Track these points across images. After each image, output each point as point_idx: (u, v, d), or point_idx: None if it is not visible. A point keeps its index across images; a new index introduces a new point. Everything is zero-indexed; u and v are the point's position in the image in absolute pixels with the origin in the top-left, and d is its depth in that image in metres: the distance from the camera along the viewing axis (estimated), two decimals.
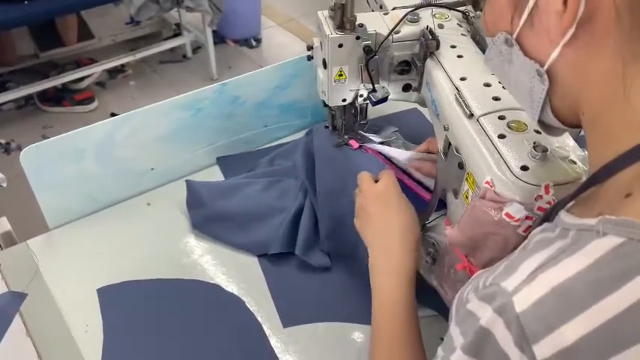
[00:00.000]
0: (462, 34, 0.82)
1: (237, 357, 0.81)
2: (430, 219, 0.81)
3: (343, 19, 0.80)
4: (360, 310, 0.83)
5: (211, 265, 0.92)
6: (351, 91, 0.88)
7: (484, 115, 0.66)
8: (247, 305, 0.87)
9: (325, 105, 0.92)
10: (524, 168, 0.59)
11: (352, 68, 0.85)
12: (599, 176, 0.43)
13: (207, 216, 0.97)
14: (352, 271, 0.89)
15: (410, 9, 0.84)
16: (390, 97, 0.86)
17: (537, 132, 0.63)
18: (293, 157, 1.05)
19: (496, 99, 0.68)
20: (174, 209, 1.00)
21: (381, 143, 0.98)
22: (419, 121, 1.15)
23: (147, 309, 0.86)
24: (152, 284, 0.89)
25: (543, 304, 0.39)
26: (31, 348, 0.80)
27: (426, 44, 0.79)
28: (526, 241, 0.47)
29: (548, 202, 0.56)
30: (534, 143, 0.60)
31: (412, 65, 0.85)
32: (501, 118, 0.65)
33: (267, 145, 1.14)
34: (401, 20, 0.83)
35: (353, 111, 0.94)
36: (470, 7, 0.86)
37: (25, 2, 2.16)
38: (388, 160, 0.93)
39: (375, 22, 0.84)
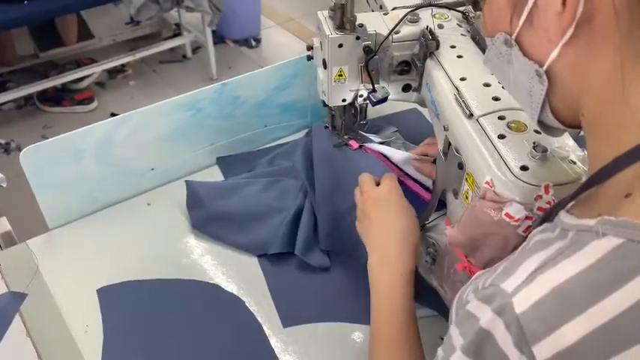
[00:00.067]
0: (462, 35, 0.82)
1: (237, 357, 0.81)
2: (430, 219, 0.81)
3: (343, 19, 0.80)
4: (359, 310, 0.83)
5: (211, 265, 0.92)
6: (350, 91, 0.88)
7: (484, 115, 0.66)
8: (247, 305, 0.87)
9: (325, 105, 0.92)
10: (523, 168, 0.59)
11: (352, 68, 0.85)
12: (599, 177, 0.43)
13: (207, 216, 0.97)
14: (352, 271, 0.89)
15: (410, 9, 0.84)
16: (389, 97, 0.86)
17: (537, 132, 0.63)
18: (293, 157, 1.05)
19: (496, 99, 0.68)
20: (174, 209, 1.00)
21: (381, 143, 0.98)
22: (419, 121, 1.15)
23: (147, 309, 0.86)
24: (152, 284, 0.89)
25: (543, 305, 0.39)
26: (31, 348, 0.80)
27: (425, 44, 0.79)
28: (526, 241, 0.47)
29: (548, 203, 0.56)
30: (534, 143, 0.60)
31: (412, 65, 0.85)
32: (501, 118, 0.65)
33: (267, 145, 1.14)
34: (401, 20, 0.83)
35: (353, 111, 0.94)
36: (470, 8, 0.86)
37: (25, 2, 2.16)
38: (388, 160, 0.93)
39: (374, 23, 0.84)
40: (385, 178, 0.81)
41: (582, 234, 0.40)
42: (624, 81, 0.41)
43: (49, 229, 0.97)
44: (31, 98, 2.57)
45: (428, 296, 0.80)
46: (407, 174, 0.91)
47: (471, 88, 0.71)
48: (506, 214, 0.57)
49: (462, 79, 0.73)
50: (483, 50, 0.79)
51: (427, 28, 0.81)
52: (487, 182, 0.60)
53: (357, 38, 0.82)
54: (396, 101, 0.90)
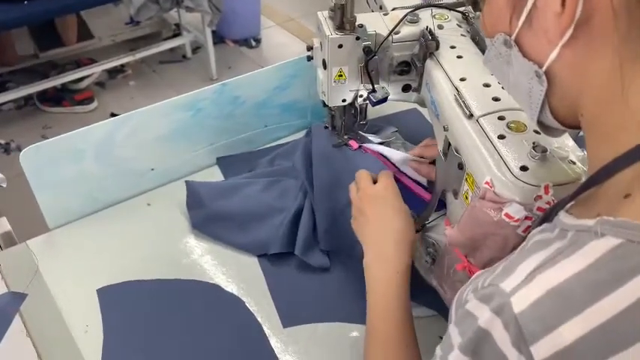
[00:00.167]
0: (462, 35, 0.82)
1: (237, 357, 0.81)
2: (430, 219, 0.81)
3: (343, 20, 0.80)
4: (359, 310, 0.82)
5: (211, 266, 0.92)
6: (350, 91, 0.88)
7: (484, 115, 0.66)
8: (247, 305, 0.87)
9: (325, 105, 0.92)
10: (523, 168, 0.59)
11: (352, 69, 0.85)
12: (598, 177, 0.43)
13: (207, 216, 0.97)
14: (352, 272, 0.89)
15: (410, 10, 0.84)
16: (389, 97, 0.86)
17: (537, 132, 0.63)
18: (293, 157, 1.05)
19: (496, 99, 0.68)
20: (174, 209, 1.00)
21: (381, 144, 0.98)
22: (418, 121, 1.15)
23: (147, 309, 0.86)
24: (152, 284, 0.89)
25: (541, 304, 0.39)
26: (31, 348, 0.80)
27: (425, 45, 0.79)
28: (525, 241, 0.47)
29: (548, 203, 0.56)
30: (534, 144, 0.61)
31: (412, 66, 0.85)
32: (501, 118, 0.66)
33: (267, 146, 1.14)
34: (401, 21, 0.83)
35: (353, 111, 0.94)
36: (469, 8, 0.86)
37: (25, 2, 2.16)
38: (387, 160, 0.93)
39: (374, 23, 0.84)
40: (382, 175, 0.82)
41: (581, 234, 0.40)
42: (623, 81, 0.41)
43: (49, 229, 0.97)
44: (31, 98, 2.57)
45: (428, 296, 0.80)
46: (406, 174, 0.91)
47: (470, 89, 0.71)
48: (506, 215, 0.57)
49: (462, 79, 0.73)
50: (483, 51, 0.79)
51: (427, 29, 0.81)
52: (487, 182, 0.60)
53: (357, 38, 0.82)
54: (396, 101, 0.90)
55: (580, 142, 0.57)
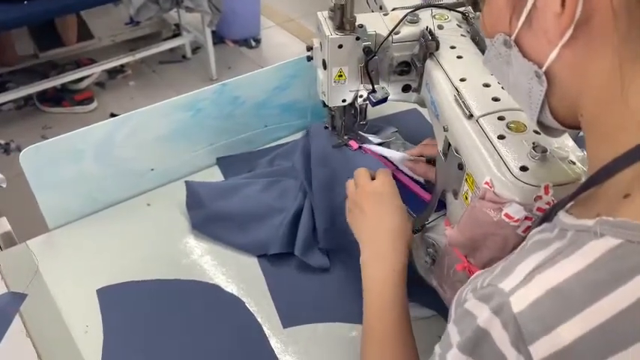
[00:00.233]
0: (462, 35, 0.82)
1: (237, 357, 0.81)
2: (430, 219, 0.81)
3: (343, 20, 0.80)
4: (359, 310, 0.82)
5: (211, 266, 0.92)
6: (350, 91, 0.88)
7: (483, 115, 0.66)
8: (247, 306, 0.87)
9: (325, 105, 0.92)
10: (523, 168, 0.59)
11: (352, 69, 0.85)
12: (598, 177, 0.43)
13: (207, 216, 0.97)
14: (352, 272, 0.89)
15: (410, 10, 0.84)
16: (389, 97, 0.86)
17: (537, 132, 0.63)
18: (293, 157, 1.05)
19: (495, 100, 0.68)
20: (174, 210, 1.00)
21: (381, 144, 0.98)
22: (418, 121, 1.15)
23: (147, 309, 0.86)
24: (152, 285, 0.89)
25: (540, 304, 0.39)
26: (31, 348, 0.80)
27: (425, 45, 0.79)
28: (525, 241, 0.47)
29: (548, 203, 0.56)
30: (534, 144, 0.61)
31: (412, 66, 0.85)
32: (501, 118, 0.66)
33: (267, 146, 1.14)
34: (401, 21, 0.83)
35: (353, 111, 0.94)
36: (469, 8, 0.86)
37: (25, 2, 2.16)
38: (387, 160, 0.93)
39: (374, 23, 0.84)
40: (380, 172, 0.82)
41: (581, 234, 0.40)
42: (623, 81, 0.41)
43: (49, 229, 0.97)
44: (31, 98, 2.57)
45: (428, 296, 0.80)
46: (406, 174, 0.91)
47: (470, 89, 0.71)
48: (506, 215, 0.57)
49: (462, 79, 0.73)
50: (483, 51, 0.79)
51: (427, 29, 0.81)
52: (487, 183, 0.60)
53: (357, 39, 0.82)
54: (396, 102, 0.90)
55: (580, 142, 0.57)
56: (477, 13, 0.84)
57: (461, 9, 0.86)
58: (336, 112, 0.94)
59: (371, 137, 0.99)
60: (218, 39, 2.96)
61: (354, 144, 0.96)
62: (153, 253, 0.94)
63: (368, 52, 0.82)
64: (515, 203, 0.57)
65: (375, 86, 0.85)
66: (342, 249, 0.91)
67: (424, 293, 0.81)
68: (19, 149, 2.30)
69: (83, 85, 2.61)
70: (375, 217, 0.77)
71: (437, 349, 0.48)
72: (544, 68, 0.46)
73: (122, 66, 2.75)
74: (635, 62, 0.41)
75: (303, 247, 0.91)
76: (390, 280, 0.71)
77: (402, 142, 1.04)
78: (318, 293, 0.89)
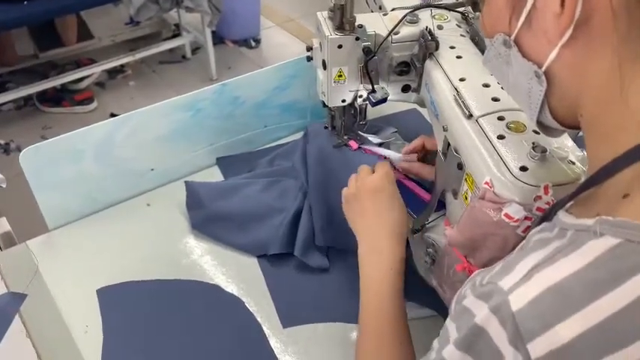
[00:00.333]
0: (461, 35, 0.82)
1: (236, 357, 0.81)
2: (430, 219, 0.81)
3: (342, 20, 0.80)
4: (359, 311, 0.83)
5: (211, 266, 0.92)
6: (350, 91, 0.88)
7: (483, 115, 0.66)
8: (247, 306, 0.87)
9: (325, 105, 0.92)
10: (523, 168, 0.59)
11: (352, 69, 0.85)
12: (598, 177, 0.43)
13: (207, 216, 0.97)
14: (351, 272, 0.89)
15: (409, 10, 0.84)
16: (389, 97, 0.86)
17: (536, 132, 0.63)
18: (293, 157, 1.05)
19: (495, 100, 0.68)
20: (174, 210, 1.00)
21: (381, 144, 0.98)
22: (418, 121, 1.16)
23: (147, 309, 0.86)
24: (152, 285, 0.89)
25: (539, 302, 0.39)
26: (31, 349, 0.80)
27: (425, 45, 0.79)
28: (524, 241, 0.47)
29: (547, 203, 0.56)
30: (533, 144, 0.61)
31: (411, 66, 0.85)
32: (500, 118, 0.66)
33: (267, 146, 1.14)
34: (400, 21, 0.83)
35: (352, 111, 0.94)
36: (469, 8, 0.86)
37: (25, 2, 2.16)
38: (387, 161, 0.93)
39: (374, 23, 0.84)
40: (379, 165, 0.82)
41: (580, 233, 0.40)
42: (623, 81, 0.42)
43: (49, 229, 0.97)
44: (31, 99, 2.56)
45: (427, 296, 0.80)
46: (406, 175, 0.91)
47: (470, 89, 0.71)
48: (506, 215, 0.57)
49: (462, 79, 0.73)
50: (482, 51, 0.79)
51: (426, 29, 0.81)
52: (486, 183, 0.60)
53: (357, 39, 0.82)
54: (396, 102, 0.90)
55: (579, 142, 0.57)
56: (477, 13, 0.84)
57: (460, 9, 0.86)
58: (336, 112, 0.94)
59: (371, 137, 0.99)
60: (218, 39, 2.96)
61: (353, 144, 0.96)
62: (153, 253, 0.94)
63: (367, 52, 0.82)
64: (514, 203, 0.57)
65: (375, 86, 0.85)
66: (340, 247, 0.91)
67: (424, 293, 0.81)
68: (19, 149, 2.30)
69: (83, 85, 2.61)
70: (373, 211, 0.77)
71: (435, 343, 0.49)
72: (544, 68, 0.46)
73: (122, 66, 2.75)
74: (634, 62, 0.41)
75: (302, 247, 0.91)
76: (387, 279, 0.71)
77: (401, 142, 1.03)
78: (318, 293, 0.89)
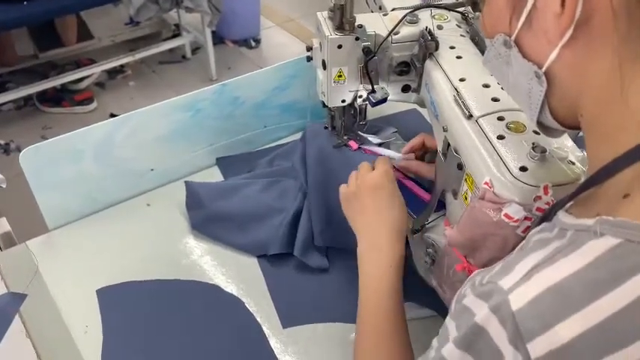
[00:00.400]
0: (461, 35, 0.82)
1: (236, 358, 0.81)
2: (429, 220, 0.81)
3: (342, 20, 0.80)
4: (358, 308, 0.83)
5: (211, 266, 0.92)
6: (350, 91, 0.88)
7: (483, 116, 0.66)
8: (247, 306, 0.87)
9: (325, 106, 0.92)
10: (523, 169, 0.59)
11: (351, 69, 0.85)
12: (598, 177, 0.43)
13: (207, 217, 0.97)
14: (351, 272, 0.89)
15: (409, 10, 0.84)
16: (389, 98, 0.86)
17: (536, 133, 0.63)
18: (292, 157, 1.05)
19: (495, 100, 0.68)
20: (174, 210, 1.00)
21: (380, 144, 0.98)
22: (418, 121, 1.16)
23: (146, 310, 0.86)
24: (152, 285, 0.89)
25: (539, 302, 0.39)
26: (31, 349, 0.80)
27: (425, 45, 0.79)
28: (524, 241, 0.47)
29: (547, 203, 0.56)
30: (533, 144, 0.61)
31: (411, 66, 0.85)
32: (500, 119, 0.66)
33: (267, 146, 1.14)
34: (400, 21, 0.83)
35: (352, 112, 0.94)
36: (469, 9, 0.86)
37: (25, 3, 2.16)
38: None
39: (374, 23, 0.84)
40: (379, 161, 0.82)
41: (580, 233, 0.40)
42: (623, 82, 0.42)
43: (49, 229, 0.97)
44: (31, 99, 2.57)
45: (427, 296, 0.80)
46: (405, 174, 0.91)
47: (470, 89, 0.71)
48: (506, 215, 0.57)
49: (462, 79, 0.73)
50: (482, 51, 0.79)
51: (426, 29, 0.81)
52: (486, 183, 0.60)
53: (357, 39, 0.82)
54: (396, 102, 0.90)
55: (579, 142, 0.57)
56: (477, 13, 0.84)
57: (460, 9, 0.86)
58: (336, 112, 0.94)
59: (370, 137, 0.99)
60: (218, 39, 2.96)
61: (353, 144, 0.96)
62: (153, 253, 0.94)
63: (367, 52, 0.82)
64: (514, 203, 0.57)
65: (375, 86, 0.85)
66: (339, 246, 0.91)
67: (424, 293, 0.81)
68: (18, 149, 2.30)
69: (83, 85, 2.61)
70: (373, 209, 0.77)
71: (434, 342, 0.49)
72: (544, 68, 0.46)
73: (122, 66, 2.75)
74: (634, 62, 0.41)
75: (302, 247, 0.91)
76: (386, 276, 0.71)
77: (401, 142, 1.03)
78: (318, 293, 0.89)
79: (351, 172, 0.85)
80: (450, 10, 0.86)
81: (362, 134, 0.99)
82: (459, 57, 0.78)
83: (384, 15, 0.86)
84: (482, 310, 0.42)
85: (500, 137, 0.63)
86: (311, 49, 0.89)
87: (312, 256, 0.92)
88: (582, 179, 0.58)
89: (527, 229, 0.56)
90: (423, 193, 0.88)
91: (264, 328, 0.84)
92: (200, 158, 1.08)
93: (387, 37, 0.82)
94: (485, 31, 0.53)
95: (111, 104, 2.61)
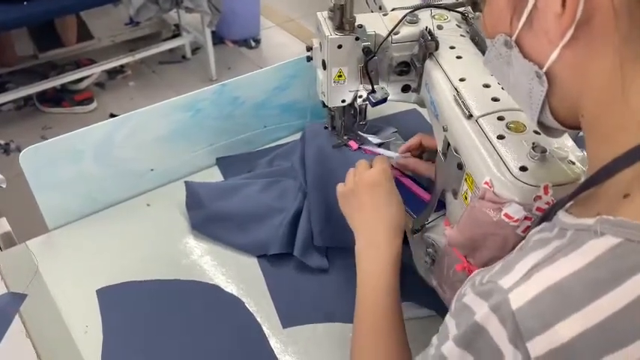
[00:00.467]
0: (461, 35, 0.82)
1: (236, 358, 0.81)
2: (429, 219, 0.81)
3: (342, 20, 0.80)
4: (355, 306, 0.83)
5: (211, 266, 0.92)
6: (350, 91, 0.88)
7: (483, 115, 0.66)
8: (247, 306, 0.87)
9: (325, 106, 0.92)
10: (523, 169, 0.59)
11: (351, 69, 0.85)
12: (598, 177, 0.43)
13: (207, 217, 0.97)
14: (351, 272, 0.89)
15: (409, 10, 0.84)
16: (389, 97, 0.86)
17: (536, 132, 0.63)
18: (292, 157, 1.05)
19: (495, 100, 0.68)
20: (174, 210, 1.00)
21: (380, 144, 0.98)
22: (418, 121, 1.16)
23: (146, 310, 0.86)
24: (152, 285, 0.89)
25: (539, 301, 0.39)
26: (31, 349, 0.80)
27: (425, 45, 0.79)
28: (524, 241, 0.47)
29: (547, 203, 0.56)
30: (533, 144, 0.61)
31: (411, 66, 0.85)
32: (500, 118, 0.66)
33: (267, 146, 1.14)
34: (400, 21, 0.83)
35: (352, 112, 0.94)
36: (469, 9, 0.86)
37: (25, 3, 2.16)
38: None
39: (374, 23, 0.84)
40: (377, 160, 0.82)
41: (581, 233, 0.40)
42: (624, 82, 0.42)
43: (49, 229, 0.97)
44: (31, 99, 2.56)
45: (427, 296, 0.80)
46: (405, 174, 0.91)
47: (470, 89, 0.71)
48: (506, 215, 0.57)
49: (462, 79, 0.73)
50: (482, 51, 0.79)
51: (426, 29, 0.81)
52: (486, 183, 0.60)
53: (357, 39, 0.82)
54: (396, 102, 0.90)
55: (579, 142, 0.57)
56: (477, 13, 0.84)
57: (460, 9, 0.86)
58: (336, 112, 0.94)
59: (370, 137, 0.99)
60: (218, 39, 2.96)
61: (353, 144, 0.96)
62: (153, 253, 0.94)
63: (367, 52, 0.82)
64: (514, 203, 0.57)
65: (375, 86, 0.85)
66: (339, 245, 0.91)
67: (423, 293, 0.81)
68: (18, 149, 2.30)
69: (83, 85, 2.61)
70: (371, 206, 0.77)
71: (434, 339, 0.49)
72: (545, 68, 0.46)
73: (122, 66, 2.75)
74: (635, 62, 0.41)
75: (302, 247, 0.91)
76: (385, 273, 0.72)
77: (401, 142, 1.03)
78: (318, 293, 0.89)
79: (349, 168, 0.85)
80: (450, 10, 0.86)
81: (362, 134, 0.99)
82: (459, 57, 0.78)
83: (384, 15, 0.86)
84: (482, 309, 0.42)
85: (500, 137, 0.63)
86: (311, 49, 0.89)
87: (311, 256, 0.92)
88: (582, 179, 0.58)
89: (527, 229, 0.56)
90: (421, 192, 0.88)
91: (264, 328, 0.84)
92: (200, 158, 1.08)
93: (387, 37, 0.82)
94: (486, 31, 0.53)
95: (111, 104, 2.61)
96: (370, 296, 0.72)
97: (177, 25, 2.90)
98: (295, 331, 0.84)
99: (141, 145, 0.99)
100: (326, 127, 0.99)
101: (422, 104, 0.88)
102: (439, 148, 0.76)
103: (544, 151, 0.59)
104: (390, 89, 0.87)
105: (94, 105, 2.59)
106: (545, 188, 0.56)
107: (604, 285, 0.37)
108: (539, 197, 0.56)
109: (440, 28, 0.83)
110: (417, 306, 0.85)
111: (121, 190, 1.02)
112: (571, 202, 0.47)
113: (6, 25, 2.22)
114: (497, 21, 0.50)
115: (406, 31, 0.83)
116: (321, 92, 0.90)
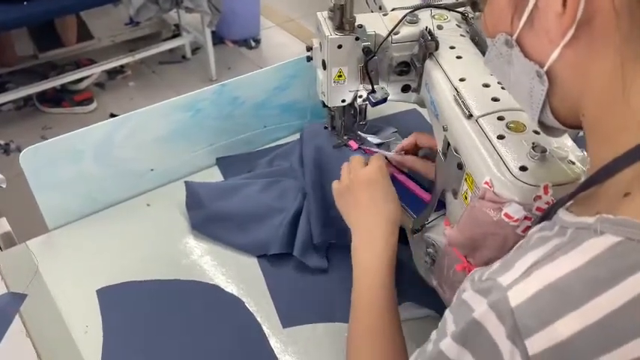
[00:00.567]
0: (461, 35, 0.82)
1: (236, 357, 0.81)
2: (430, 219, 0.81)
3: (342, 20, 0.80)
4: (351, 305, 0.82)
5: (211, 266, 0.92)
6: (350, 91, 0.88)
7: (483, 115, 0.66)
8: (247, 306, 0.87)
9: (325, 106, 0.92)
10: (523, 168, 0.59)
11: (351, 69, 0.85)
12: (599, 176, 0.43)
13: (207, 217, 0.97)
14: (351, 272, 0.89)
15: (409, 10, 0.84)
16: (389, 97, 0.86)
17: (536, 132, 0.63)
18: (292, 157, 1.05)
19: (495, 100, 0.68)
20: (174, 210, 1.00)
21: (380, 144, 0.98)
22: (418, 121, 1.16)
23: (147, 310, 0.86)
24: (152, 285, 0.89)
25: (538, 299, 0.39)
26: (31, 349, 0.80)
27: (425, 45, 0.79)
28: (524, 239, 0.47)
29: (547, 203, 0.56)
30: (533, 144, 0.61)
31: (411, 66, 0.85)
32: (500, 118, 0.66)
33: (267, 146, 1.14)
34: (400, 21, 0.83)
35: (352, 112, 0.94)
36: (469, 8, 0.86)
37: (25, 3, 2.16)
38: (387, 161, 0.93)
39: (374, 23, 0.84)
40: (373, 158, 0.82)
41: (580, 231, 0.40)
42: (625, 81, 0.42)
43: (49, 229, 0.97)
44: (31, 99, 2.57)
45: (427, 296, 0.80)
46: (405, 174, 0.91)
47: (470, 89, 0.71)
48: (506, 215, 0.57)
49: (462, 79, 0.73)
50: (482, 51, 0.79)
51: (426, 29, 0.81)
52: (486, 182, 0.60)
53: (357, 39, 0.82)
54: (396, 102, 0.90)
55: (580, 142, 0.57)
56: (477, 13, 0.84)
57: (460, 9, 0.86)
58: (336, 112, 0.94)
59: (370, 137, 0.99)
60: (218, 39, 2.96)
61: (353, 144, 0.96)
62: (153, 253, 0.94)
63: (367, 52, 0.82)
64: (514, 203, 0.57)
65: (375, 86, 0.85)
66: (338, 242, 0.91)
67: (423, 293, 0.81)
68: (18, 149, 2.30)
69: (83, 85, 2.61)
70: (367, 203, 0.78)
71: (433, 334, 0.49)
72: (545, 68, 0.46)
73: (122, 66, 2.75)
74: (636, 62, 0.41)
75: (301, 248, 0.91)
76: (380, 272, 0.72)
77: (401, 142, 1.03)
78: (318, 293, 0.89)
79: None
80: (450, 10, 0.86)
81: (362, 134, 0.99)
82: (459, 57, 0.78)
83: (384, 15, 0.86)
84: (480, 306, 0.42)
85: (500, 137, 0.63)
86: (311, 49, 0.89)
87: (311, 256, 0.92)
88: (582, 179, 0.58)
89: (527, 229, 0.56)
90: (423, 193, 0.88)
91: (264, 328, 0.84)
92: (200, 158, 1.08)
93: (387, 37, 0.82)
94: (487, 31, 0.53)
95: (111, 104, 2.61)
96: (366, 295, 0.72)
97: (177, 25, 2.90)
98: (295, 331, 0.84)
99: (141, 145, 0.99)
100: (326, 127, 0.99)
101: (422, 104, 0.88)
102: (439, 148, 0.76)
103: (544, 150, 0.59)
104: (390, 89, 0.87)
105: (93, 105, 2.59)
106: (545, 188, 0.56)
107: (603, 283, 0.38)
108: (539, 197, 0.56)
109: (440, 28, 0.83)
110: (417, 306, 0.85)
111: (121, 190, 1.02)
112: (571, 201, 0.47)
113: (6, 25, 2.22)
114: (498, 20, 0.50)
115: (406, 31, 0.83)
116: (321, 92, 0.90)
